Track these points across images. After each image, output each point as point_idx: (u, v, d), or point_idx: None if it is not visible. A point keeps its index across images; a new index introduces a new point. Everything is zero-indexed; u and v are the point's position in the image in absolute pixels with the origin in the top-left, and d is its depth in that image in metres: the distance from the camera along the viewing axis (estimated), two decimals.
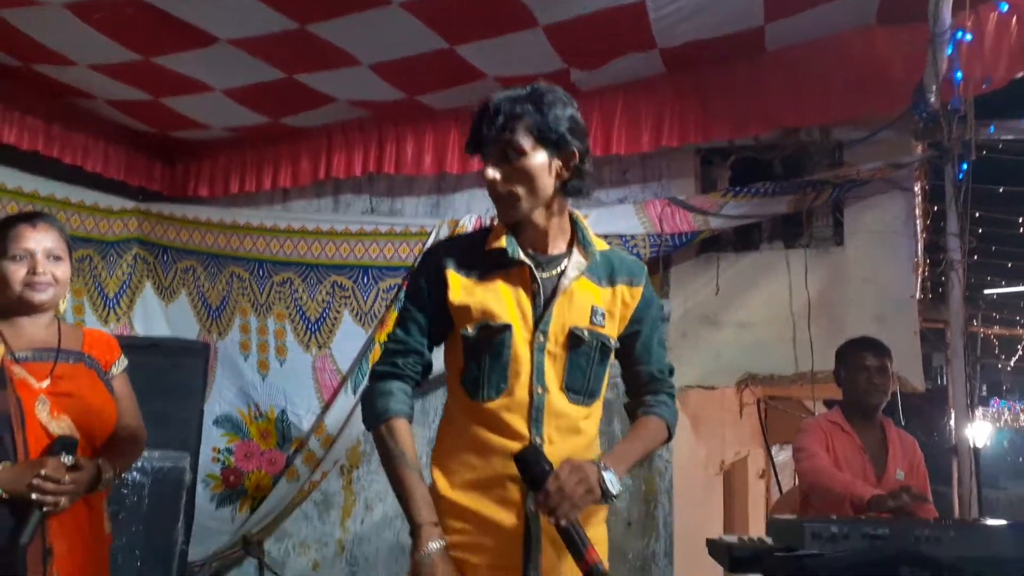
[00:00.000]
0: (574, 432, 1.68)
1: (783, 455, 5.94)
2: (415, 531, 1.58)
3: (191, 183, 4.62)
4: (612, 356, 1.76)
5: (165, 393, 3.46)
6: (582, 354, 1.68)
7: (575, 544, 1.47)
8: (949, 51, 2.95)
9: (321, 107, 4.03)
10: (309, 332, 4.27)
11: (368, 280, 4.20)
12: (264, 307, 4.35)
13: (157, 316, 4.50)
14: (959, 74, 3.09)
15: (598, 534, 1.71)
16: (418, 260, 1.78)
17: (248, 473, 4.30)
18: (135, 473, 3.28)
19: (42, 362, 2.00)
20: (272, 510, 4.25)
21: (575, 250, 1.71)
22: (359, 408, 3.78)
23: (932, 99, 3.16)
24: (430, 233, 4.06)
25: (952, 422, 4.71)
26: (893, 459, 2.92)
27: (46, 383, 1.98)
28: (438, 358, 1.79)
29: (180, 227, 4.49)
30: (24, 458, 1.88)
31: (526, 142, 1.61)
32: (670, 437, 1.79)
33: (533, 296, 1.67)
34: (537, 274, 1.67)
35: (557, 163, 1.63)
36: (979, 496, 3.43)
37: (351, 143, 4.27)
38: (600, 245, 1.75)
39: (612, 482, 1.55)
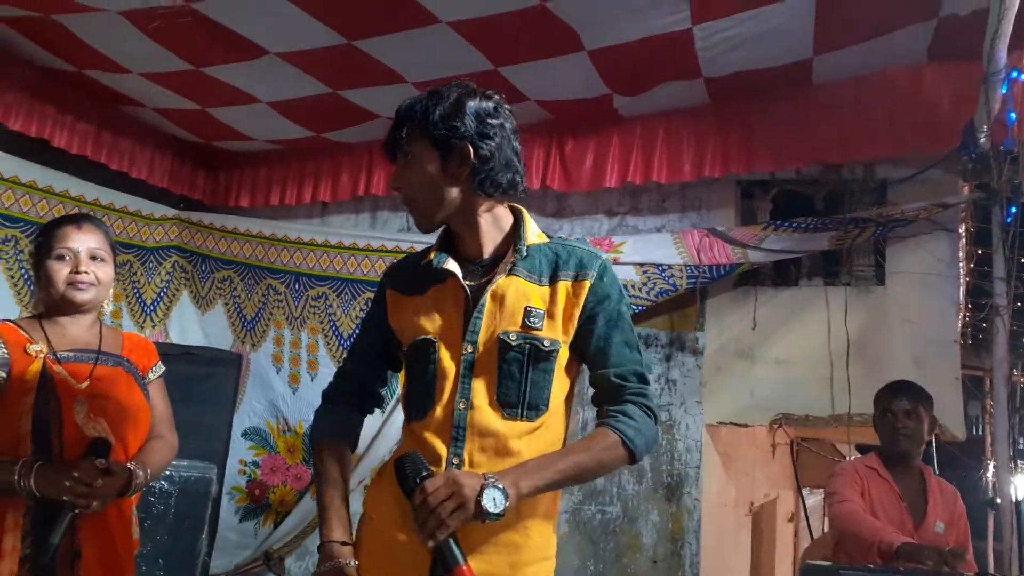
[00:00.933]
0: (504, 453, 1.49)
1: (813, 499, 5.80)
2: (320, 548, 1.54)
3: (232, 193, 4.68)
4: (557, 361, 1.55)
5: (196, 402, 3.49)
6: (512, 361, 1.51)
7: (446, 563, 1.34)
8: (1003, 91, 2.88)
9: (363, 123, 4.06)
10: (341, 347, 4.27)
11: None
12: (298, 320, 4.37)
13: (193, 324, 4.53)
14: (1012, 115, 3.02)
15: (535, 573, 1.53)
16: None
17: (273, 487, 4.29)
18: (162, 482, 3.28)
19: (82, 363, 2.02)
20: (295, 527, 4.23)
21: (512, 250, 1.58)
22: (386, 427, 3.81)
23: (982, 139, 3.09)
24: None
25: (989, 474, 4.56)
26: (933, 509, 2.82)
27: (85, 384, 1.99)
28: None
29: (219, 237, 4.54)
30: (59, 459, 1.88)
31: (415, 145, 1.54)
32: (633, 455, 1.51)
33: (465, 306, 1.56)
34: (464, 282, 1.56)
35: (453, 162, 1.53)
36: (1021, 552, 3.31)
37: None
38: (541, 239, 1.62)
39: (494, 500, 1.36)
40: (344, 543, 1.53)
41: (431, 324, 1.56)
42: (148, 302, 4.44)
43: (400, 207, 4.52)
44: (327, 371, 4.27)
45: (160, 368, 2.22)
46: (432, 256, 1.60)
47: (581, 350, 1.59)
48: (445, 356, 1.54)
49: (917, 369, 3.39)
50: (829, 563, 2.49)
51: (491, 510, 1.36)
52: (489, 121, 1.53)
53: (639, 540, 3.86)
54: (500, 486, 1.38)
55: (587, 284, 1.56)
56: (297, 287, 4.39)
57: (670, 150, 3.75)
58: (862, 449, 4.34)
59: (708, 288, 3.83)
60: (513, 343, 1.51)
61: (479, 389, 1.52)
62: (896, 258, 3.67)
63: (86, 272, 2.04)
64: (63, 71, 3.71)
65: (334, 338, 4.29)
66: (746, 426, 3.91)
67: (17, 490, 1.80)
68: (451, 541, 1.35)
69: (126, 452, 2.03)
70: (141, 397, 2.09)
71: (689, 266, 3.66)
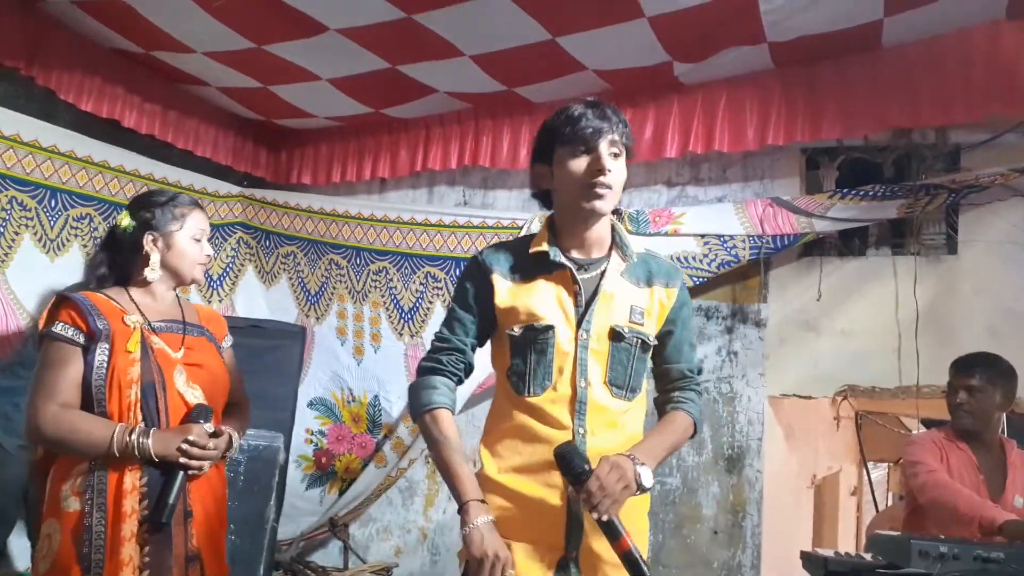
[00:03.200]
0: (613, 426, 1.77)
1: (877, 473, 5.70)
2: (463, 507, 1.69)
3: (294, 171, 4.75)
4: (650, 354, 1.86)
5: (263, 373, 3.57)
6: (623, 350, 1.79)
7: (615, 533, 1.61)
8: None
9: (421, 98, 4.07)
10: (403, 320, 4.33)
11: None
12: (360, 294, 4.44)
13: (258, 298, 4.64)
14: None
15: (639, 526, 1.80)
16: (467, 265, 1.91)
17: (339, 456, 4.39)
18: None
19: (173, 333, 2.07)
20: (360, 494, 4.33)
21: (614, 253, 1.84)
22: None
23: None
24: (521, 227, 4.06)
25: None
26: (1012, 483, 2.74)
27: (180, 354, 2.04)
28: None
29: (282, 213, 4.62)
30: (164, 425, 1.94)
31: (627, 146, 1.81)
32: (696, 432, 1.89)
33: (575, 296, 1.79)
34: (578, 276, 1.79)
35: (627, 168, 1.82)
36: None
37: (448, 135, 4.31)
38: (636, 249, 1.87)
39: (646, 476, 1.65)
40: (481, 500, 1.71)
41: (547, 310, 1.78)
42: (215, 277, 4.55)
43: (455, 182, 4.55)
44: (389, 343, 4.35)
45: (230, 338, 2.28)
46: (545, 247, 1.80)
47: (659, 345, 1.88)
48: (563, 340, 1.76)
49: (991, 340, 3.29)
50: (899, 534, 2.44)
51: (647, 485, 1.66)
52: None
53: (699, 511, 3.86)
54: (646, 465, 1.67)
55: (675, 292, 1.86)
56: (358, 261, 4.46)
57: (733, 118, 3.67)
58: (927, 424, 4.24)
59: (771, 259, 3.77)
60: (626, 335, 1.78)
61: (594, 370, 1.77)
62: (969, 226, 3.56)
63: (210, 257, 2.14)
64: (131, 52, 3.79)
65: (395, 311, 4.35)
66: (810, 398, 3.86)
67: (135, 455, 1.85)
68: (616, 514, 1.62)
69: (217, 417, 2.09)
70: (223, 365, 2.16)
71: (752, 236, 3.60)
